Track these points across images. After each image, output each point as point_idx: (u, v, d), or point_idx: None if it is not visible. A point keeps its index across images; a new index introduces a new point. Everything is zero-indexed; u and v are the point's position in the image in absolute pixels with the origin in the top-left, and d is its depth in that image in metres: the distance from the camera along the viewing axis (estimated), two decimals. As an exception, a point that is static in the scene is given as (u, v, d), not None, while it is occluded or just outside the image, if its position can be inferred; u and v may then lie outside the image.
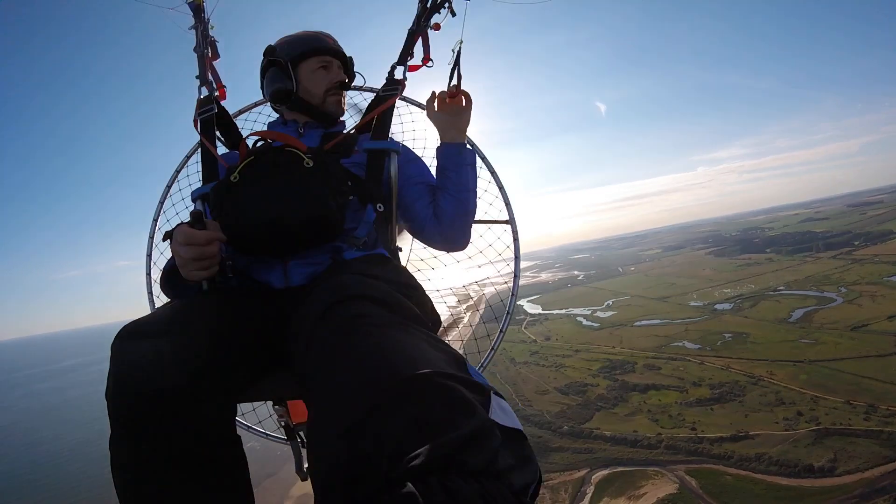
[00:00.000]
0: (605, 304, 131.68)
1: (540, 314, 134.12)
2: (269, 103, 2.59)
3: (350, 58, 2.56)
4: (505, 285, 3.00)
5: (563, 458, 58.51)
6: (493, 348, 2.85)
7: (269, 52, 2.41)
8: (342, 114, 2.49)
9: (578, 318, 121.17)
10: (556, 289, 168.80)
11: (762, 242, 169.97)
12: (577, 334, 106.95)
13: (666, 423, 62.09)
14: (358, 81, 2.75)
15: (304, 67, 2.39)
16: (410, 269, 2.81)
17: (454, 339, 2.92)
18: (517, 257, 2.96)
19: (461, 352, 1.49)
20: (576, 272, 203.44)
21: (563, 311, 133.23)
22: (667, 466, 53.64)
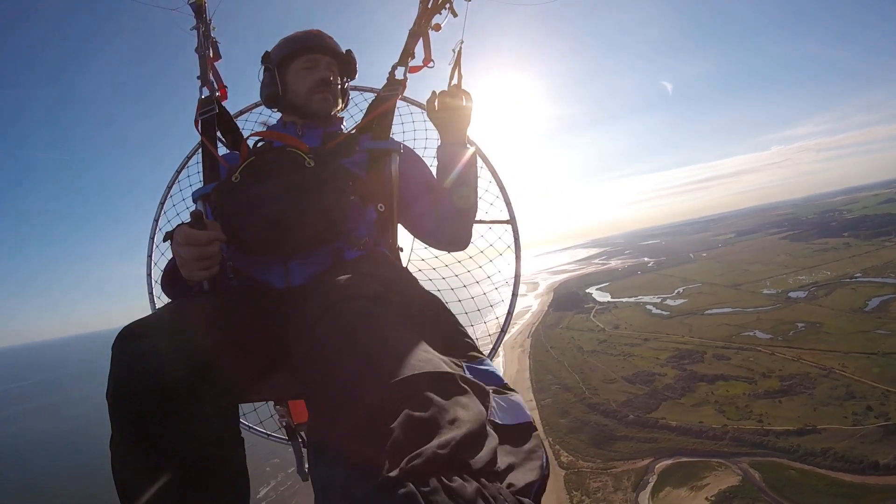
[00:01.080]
0: (675, 291, 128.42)
1: (609, 302, 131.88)
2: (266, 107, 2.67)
3: (347, 52, 2.55)
4: (506, 285, 3.02)
5: (628, 447, 58.77)
6: (494, 348, 2.93)
7: (265, 58, 2.47)
8: (329, 111, 2.46)
9: (648, 307, 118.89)
10: (626, 276, 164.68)
11: (840, 226, 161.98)
12: (647, 323, 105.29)
13: (732, 415, 60.99)
14: (357, 80, 2.79)
15: (292, 69, 2.42)
16: (411, 268, 2.81)
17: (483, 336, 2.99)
18: (518, 257, 2.98)
19: (473, 343, 1.62)
20: (645, 259, 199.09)
21: (632, 299, 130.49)
22: (731, 458, 52.98)
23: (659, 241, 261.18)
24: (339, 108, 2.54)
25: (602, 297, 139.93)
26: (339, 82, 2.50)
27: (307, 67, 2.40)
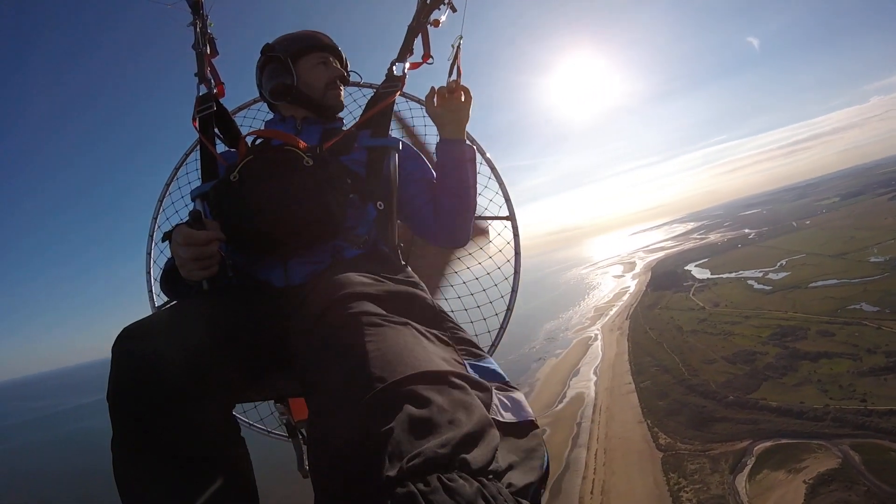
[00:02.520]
0: (778, 264, 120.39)
1: (708, 279, 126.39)
2: (265, 101, 2.66)
3: (344, 56, 2.62)
4: (506, 281, 3.00)
5: (726, 429, 57.48)
6: (494, 344, 2.90)
7: (268, 49, 2.47)
8: (342, 108, 2.53)
9: (749, 282, 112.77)
10: (726, 250, 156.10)
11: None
12: (748, 299, 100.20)
13: (835, 394, 58.17)
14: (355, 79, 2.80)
15: (304, 63, 2.43)
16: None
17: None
18: (517, 253, 2.99)
19: (475, 341, 1.57)
20: (746, 230, 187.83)
21: (732, 275, 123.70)
22: (831, 440, 50.81)
23: (759, 211, 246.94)
24: (343, 107, 2.59)
25: (701, 273, 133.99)
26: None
27: (322, 63, 2.45)
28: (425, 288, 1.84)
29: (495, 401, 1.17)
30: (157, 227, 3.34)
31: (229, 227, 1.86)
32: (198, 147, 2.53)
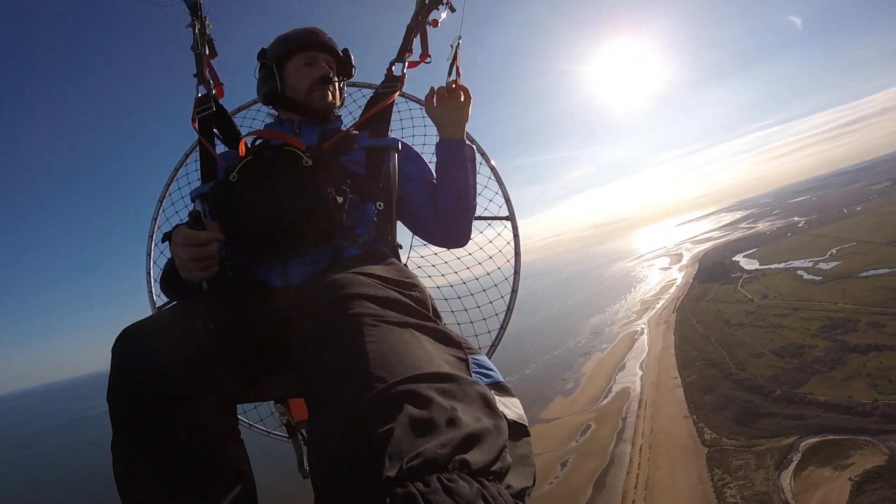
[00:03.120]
0: (829, 253, 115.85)
1: (757, 270, 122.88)
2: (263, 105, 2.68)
3: (344, 50, 2.59)
4: (506, 281, 2.98)
5: (773, 424, 56.64)
6: (494, 344, 2.88)
7: (261, 55, 2.50)
8: (330, 108, 2.48)
9: (798, 272, 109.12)
10: (774, 239, 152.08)
11: None
12: (797, 290, 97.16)
13: (885, 389, 56.09)
14: (355, 77, 2.78)
15: (290, 66, 2.44)
16: (410, 265, 2.80)
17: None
18: (517, 254, 2.99)
19: (471, 344, 1.53)
20: (795, 218, 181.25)
21: (781, 265, 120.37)
22: (878, 436, 49.39)
23: (809, 197, 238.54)
24: (337, 105, 2.55)
25: (750, 264, 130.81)
26: (337, 80, 2.52)
27: (307, 64, 2.43)
28: (424, 288, 1.83)
29: (497, 401, 1.16)
30: (156, 227, 3.36)
31: (229, 228, 1.87)
32: (197, 148, 2.54)
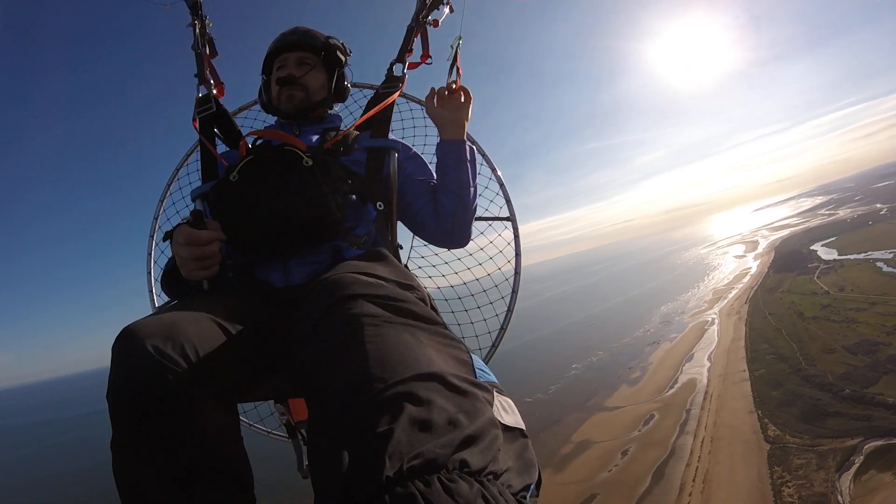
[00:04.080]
0: None
1: (835, 260, 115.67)
2: None
3: (326, 40, 2.53)
4: (506, 282, 2.97)
5: (838, 424, 54.39)
6: (494, 345, 2.85)
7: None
8: (298, 108, 2.44)
9: (878, 264, 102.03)
10: (855, 227, 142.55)
11: None
12: (876, 283, 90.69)
13: None
14: (356, 77, 2.76)
15: (272, 74, 2.51)
16: (410, 266, 2.81)
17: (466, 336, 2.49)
18: (518, 255, 2.98)
19: (466, 346, 1.45)
20: (878, 205, 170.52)
21: (861, 256, 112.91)
22: None
23: (894, 182, 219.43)
24: (319, 99, 2.50)
25: (828, 254, 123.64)
26: (313, 73, 2.48)
27: (278, 68, 2.47)
28: (425, 288, 1.81)
29: (496, 402, 1.16)
30: (157, 227, 3.34)
31: (229, 227, 1.87)
32: (198, 148, 2.51)
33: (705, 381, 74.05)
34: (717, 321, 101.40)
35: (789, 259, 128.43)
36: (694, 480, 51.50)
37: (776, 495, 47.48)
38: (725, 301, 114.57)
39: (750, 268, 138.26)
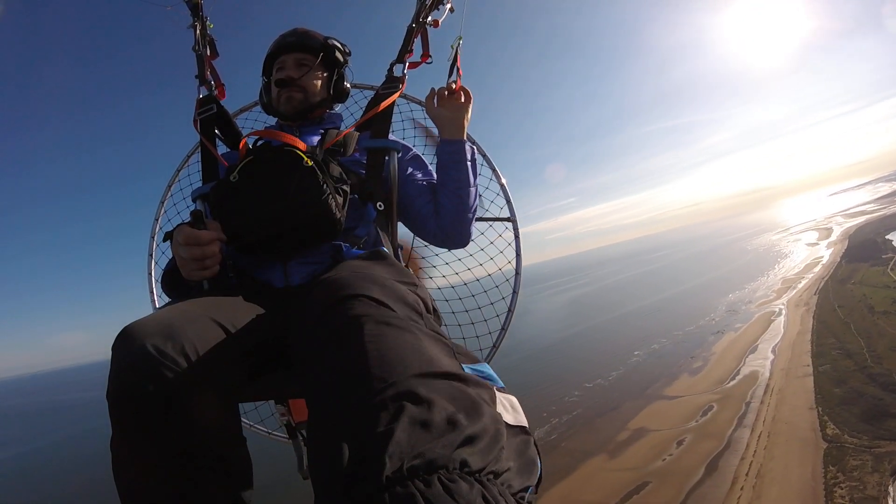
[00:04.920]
0: None
1: None
2: None
3: (325, 40, 2.55)
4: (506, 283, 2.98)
5: None
6: (495, 345, 2.86)
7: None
8: (296, 109, 2.47)
9: None
10: None
11: None
12: None
13: None
14: (356, 78, 2.77)
15: (272, 76, 2.53)
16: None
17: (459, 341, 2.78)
18: (518, 255, 2.98)
19: (466, 346, 1.42)
20: None
21: None
22: None
23: None
24: (318, 100, 2.52)
25: None
26: (312, 75, 2.50)
27: (277, 70, 2.50)
28: (425, 288, 1.83)
29: (499, 401, 1.17)
30: (158, 227, 3.36)
31: (229, 228, 1.88)
32: (199, 149, 2.52)
33: (767, 374, 73.03)
34: (784, 312, 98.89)
35: (863, 249, 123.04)
36: (747, 475, 50.75)
37: (828, 496, 46.28)
38: (794, 291, 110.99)
39: (822, 257, 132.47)
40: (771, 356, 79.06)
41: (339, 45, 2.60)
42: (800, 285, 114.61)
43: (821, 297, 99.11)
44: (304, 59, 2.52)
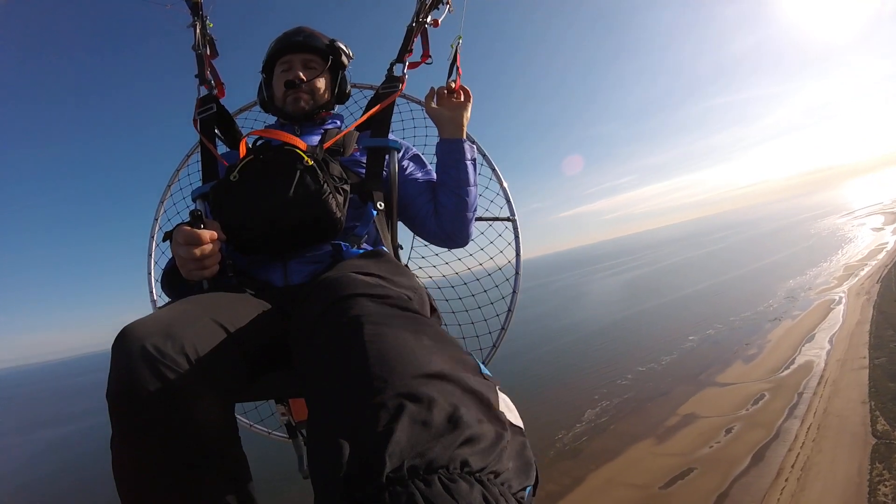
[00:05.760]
0: None
1: None
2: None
3: (330, 42, 2.56)
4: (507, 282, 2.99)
5: None
6: (495, 345, 2.87)
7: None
8: (303, 111, 2.47)
9: None
10: None
11: None
12: None
13: None
14: (356, 78, 2.78)
15: (275, 73, 2.53)
16: (411, 266, 2.82)
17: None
18: (518, 255, 3.00)
19: (466, 346, 1.50)
20: None
21: None
22: None
23: None
24: (323, 102, 2.54)
25: None
26: (319, 77, 2.51)
27: (283, 70, 2.49)
28: (425, 288, 1.84)
29: (499, 400, 1.16)
30: (158, 227, 3.37)
31: (229, 227, 1.89)
32: (199, 148, 2.52)
33: (822, 364, 71.91)
34: (844, 301, 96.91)
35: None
36: (793, 467, 50.39)
37: (872, 492, 46.93)
38: (856, 279, 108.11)
39: (886, 243, 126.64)
40: (827, 346, 77.95)
41: (343, 48, 2.62)
42: (862, 272, 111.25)
43: (883, 285, 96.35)
44: (311, 61, 2.53)
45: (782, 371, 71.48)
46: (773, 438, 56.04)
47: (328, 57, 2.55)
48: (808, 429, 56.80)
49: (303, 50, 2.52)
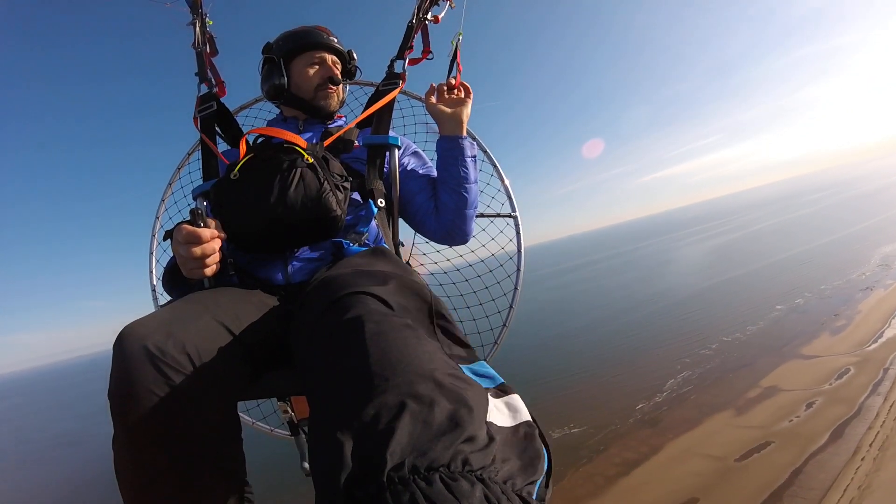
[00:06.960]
0: None
1: None
2: (268, 101, 2.66)
3: (349, 52, 2.61)
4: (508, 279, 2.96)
5: None
6: (496, 342, 2.83)
7: (266, 49, 2.50)
8: (333, 109, 2.51)
9: None
10: None
11: None
12: None
13: None
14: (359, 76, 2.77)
15: (297, 63, 2.46)
16: (412, 263, 2.70)
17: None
18: (519, 251, 2.95)
19: (469, 344, 1.47)
20: None
21: None
22: None
23: None
24: (338, 107, 2.58)
25: None
26: (341, 81, 2.54)
27: (315, 63, 2.46)
28: (427, 286, 1.76)
29: (491, 405, 1.11)
30: (159, 226, 3.33)
31: (230, 226, 1.87)
32: (199, 146, 2.50)
33: None
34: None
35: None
36: (871, 445, 49.73)
37: None
38: None
39: None
40: (920, 318, 75.30)
41: (355, 60, 2.67)
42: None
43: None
44: (338, 64, 2.57)
45: (870, 345, 68.75)
46: (854, 415, 54.93)
47: (347, 64, 2.64)
48: (892, 407, 56.17)
49: (333, 51, 2.54)
